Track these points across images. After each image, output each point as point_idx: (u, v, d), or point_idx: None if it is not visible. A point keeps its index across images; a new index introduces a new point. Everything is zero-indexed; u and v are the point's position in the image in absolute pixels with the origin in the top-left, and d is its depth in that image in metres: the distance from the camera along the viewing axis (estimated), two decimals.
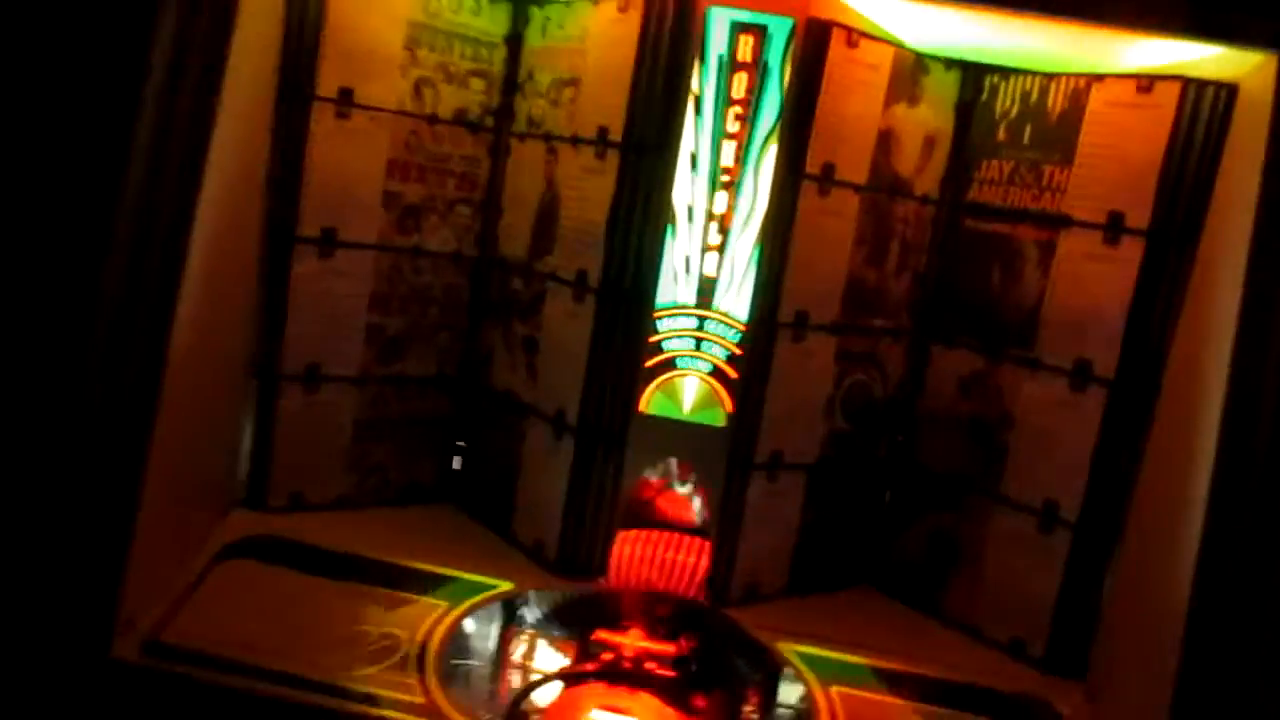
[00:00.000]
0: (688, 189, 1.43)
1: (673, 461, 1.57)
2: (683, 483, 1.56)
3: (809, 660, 1.40)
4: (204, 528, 1.47)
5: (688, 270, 1.44)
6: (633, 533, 1.56)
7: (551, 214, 1.54)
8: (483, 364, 1.65)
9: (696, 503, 1.59)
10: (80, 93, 1.25)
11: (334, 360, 1.55)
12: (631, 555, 1.55)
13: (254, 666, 1.28)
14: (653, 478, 1.59)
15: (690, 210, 1.43)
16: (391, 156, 1.54)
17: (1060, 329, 1.43)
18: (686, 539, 1.57)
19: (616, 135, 1.43)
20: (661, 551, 1.57)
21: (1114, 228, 1.38)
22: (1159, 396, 1.35)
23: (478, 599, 1.43)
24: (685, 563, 1.55)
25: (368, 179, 1.53)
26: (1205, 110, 1.30)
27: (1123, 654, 1.36)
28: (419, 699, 1.27)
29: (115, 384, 1.26)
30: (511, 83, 1.61)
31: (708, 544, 1.54)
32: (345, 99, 1.48)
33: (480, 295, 1.65)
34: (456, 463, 1.71)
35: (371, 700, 1.26)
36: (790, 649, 1.42)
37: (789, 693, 1.39)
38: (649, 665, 1.47)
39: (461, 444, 1.70)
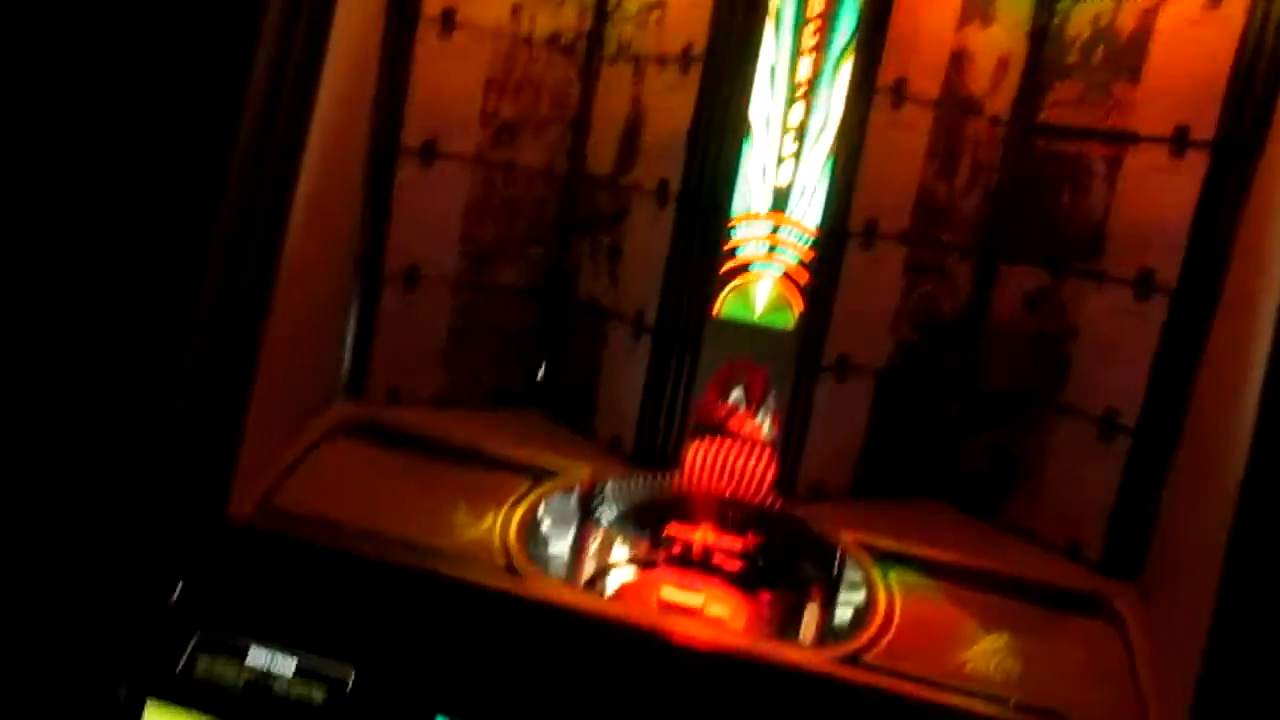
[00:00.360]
0: (765, 101, 1.51)
1: (742, 388, 1.66)
2: (749, 403, 1.64)
3: (871, 551, 1.47)
4: (310, 412, 1.60)
5: (763, 179, 1.52)
6: (705, 440, 1.65)
7: (636, 130, 1.63)
8: (570, 276, 1.75)
9: (765, 424, 1.67)
10: (207, 22, 1.39)
11: (431, 265, 1.67)
12: (703, 461, 1.64)
13: (359, 530, 1.41)
14: (724, 401, 1.69)
15: (767, 121, 1.51)
16: (490, 76, 1.65)
17: (1125, 241, 1.48)
18: (756, 448, 1.66)
19: (698, 52, 1.52)
20: (731, 459, 1.66)
21: (1180, 141, 1.42)
22: (1219, 303, 1.39)
23: (559, 482, 1.54)
24: (754, 470, 1.64)
25: (467, 96, 1.64)
26: (1273, 21, 1.34)
27: (1175, 555, 1.40)
28: (501, 563, 1.39)
29: (237, 274, 1.40)
30: (602, 9, 1.71)
31: (777, 453, 1.62)
32: (448, 20, 1.60)
33: (568, 210, 1.75)
34: (541, 373, 1.82)
35: (465, 565, 1.38)
36: (853, 542, 1.49)
37: (850, 580, 1.47)
38: (717, 558, 1.56)
39: (546, 355, 1.81)
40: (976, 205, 1.62)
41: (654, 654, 1.32)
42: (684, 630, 1.35)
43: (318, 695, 1.31)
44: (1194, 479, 1.39)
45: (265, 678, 1.32)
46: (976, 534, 1.58)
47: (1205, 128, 1.39)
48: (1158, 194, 1.44)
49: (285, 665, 1.33)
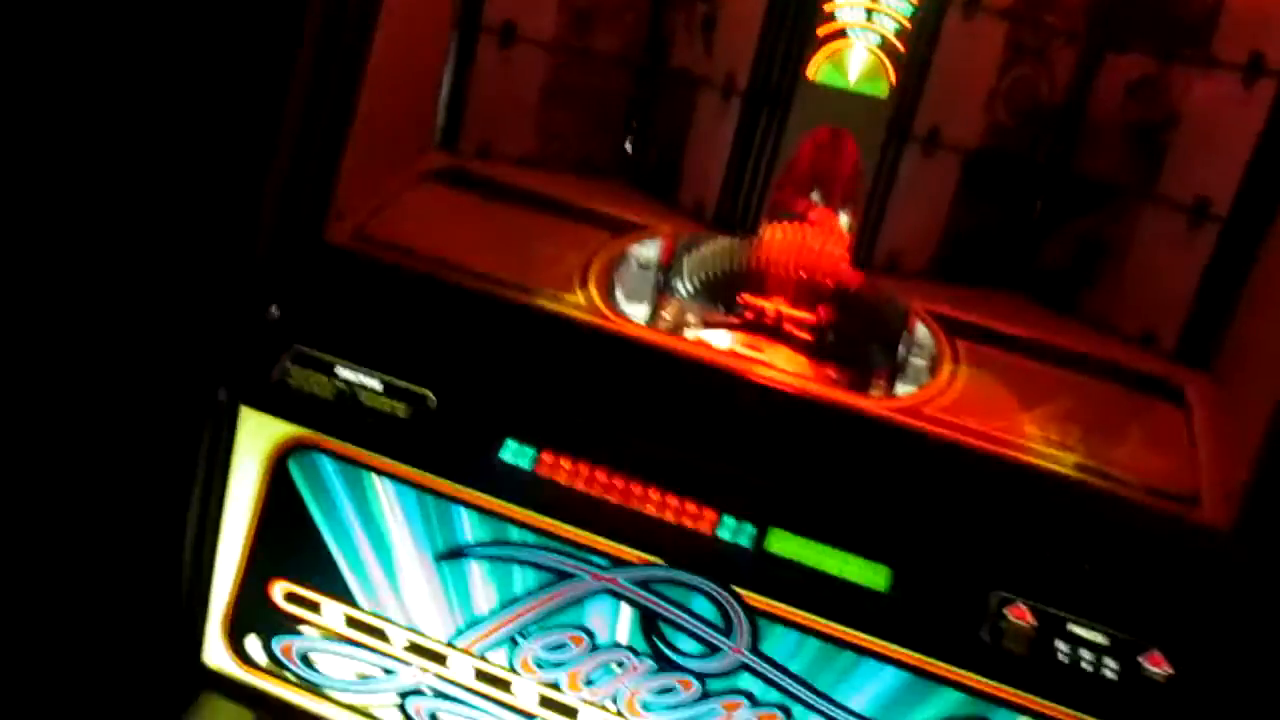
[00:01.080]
0: None
1: (821, 187, 1.66)
2: (829, 198, 1.65)
3: (941, 321, 1.49)
4: (405, 160, 1.65)
5: None
6: (782, 223, 1.66)
7: None
8: (664, 46, 1.75)
9: (844, 216, 1.67)
10: None
11: (528, 23, 1.68)
12: (781, 239, 1.66)
13: (447, 262, 1.47)
14: (804, 198, 1.69)
15: None
16: None
17: (1238, 24, 1.43)
18: (834, 233, 1.67)
19: None
20: (809, 240, 1.67)
21: None
22: None
23: (642, 234, 1.58)
24: (831, 253, 1.65)
25: None
26: None
27: (1250, 343, 1.40)
28: (584, 302, 1.44)
29: (338, 18, 1.43)
30: None
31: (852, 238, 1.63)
32: None
33: None
34: (629, 147, 1.84)
35: (547, 300, 1.43)
36: (924, 311, 1.51)
37: (918, 345, 1.50)
38: (788, 326, 1.60)
39: (637, 127, 1.82)
40: None
41: (726, 391, 1.37)
42: (755, 371, 1.40)
43: (401, 410, 1.40)
44: (1278, 270, 1.38)
45: (354, 390, 1.41)
46: (1052, 320, 1.59)
47: None
48: None
49: (373, 382, 1.42)
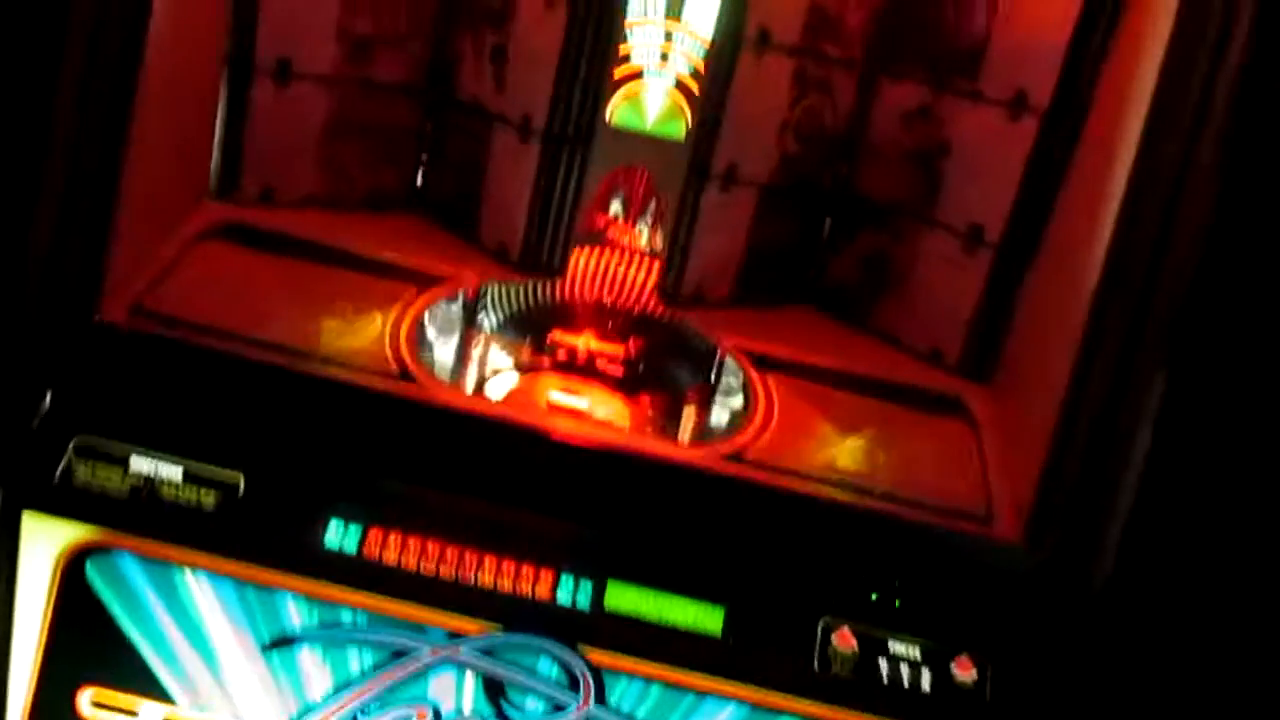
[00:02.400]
0: None
1: (622, 198, 1.67)
2: (629, 212, 1.65)
3: (750, 356, 1.54)
4: (179, 214, 1.52)
5: None
6: (587, 249, 1.66)
7: None
8: (451, 73, 1.69)
9: (645, 233, 1.69)
10: None
11: (305, 57, 1.57)
12: (585, 268, 1.66)
13: (237, 333, 1.38)
14: (604, 211, 1.69)
15: None
16: None
17: (1003, 61, 1.53)
18: (639, 256, 1.68)
19: None
20: (614, 266, 1.68)
21: None
22: (1085, 124, 1.46)
23: (446, 287, 1.53)
24: (635, 278, 1.67)
25: None
26: None
27: (1027, 358, 1.52)
28: (394, 368, 1.39)
29: (98, 70, 1.29)
30: None
31: (657, 262, 1.65)
32: None
33: (450, 2, 1.67)
34: (419, 176, 1.77)
35: (355, 370, 1.37)
36: (733, 347, 1.56)
37: (729, 383, 1.55)
38: (600, 363, 1.61)
39: (426, 156, 1.76)
40: (863, 17, 1.63)
41: (543, 452, 1.37)
42: (574, 430, 1.41)
43: (208, 499, 1.32)
44: (1050, 287, 1.49)
45: (151, 484, 1.31)
46: (846, 339, 1.67)
47: None
48: (1038, 11, 1.48)
49: (172, 472, 1.32)
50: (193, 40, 1.45)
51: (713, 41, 1.50)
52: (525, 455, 1.36)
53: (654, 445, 1.41)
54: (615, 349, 1.62)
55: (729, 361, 1.55)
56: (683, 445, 1.45)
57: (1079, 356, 1.35)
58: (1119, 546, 1.33)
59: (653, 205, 1.60)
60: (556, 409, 1.49)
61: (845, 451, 1.42)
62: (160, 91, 1.34)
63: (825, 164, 1.69)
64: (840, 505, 1.36)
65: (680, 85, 1.52)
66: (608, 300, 1.64)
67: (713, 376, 1.57)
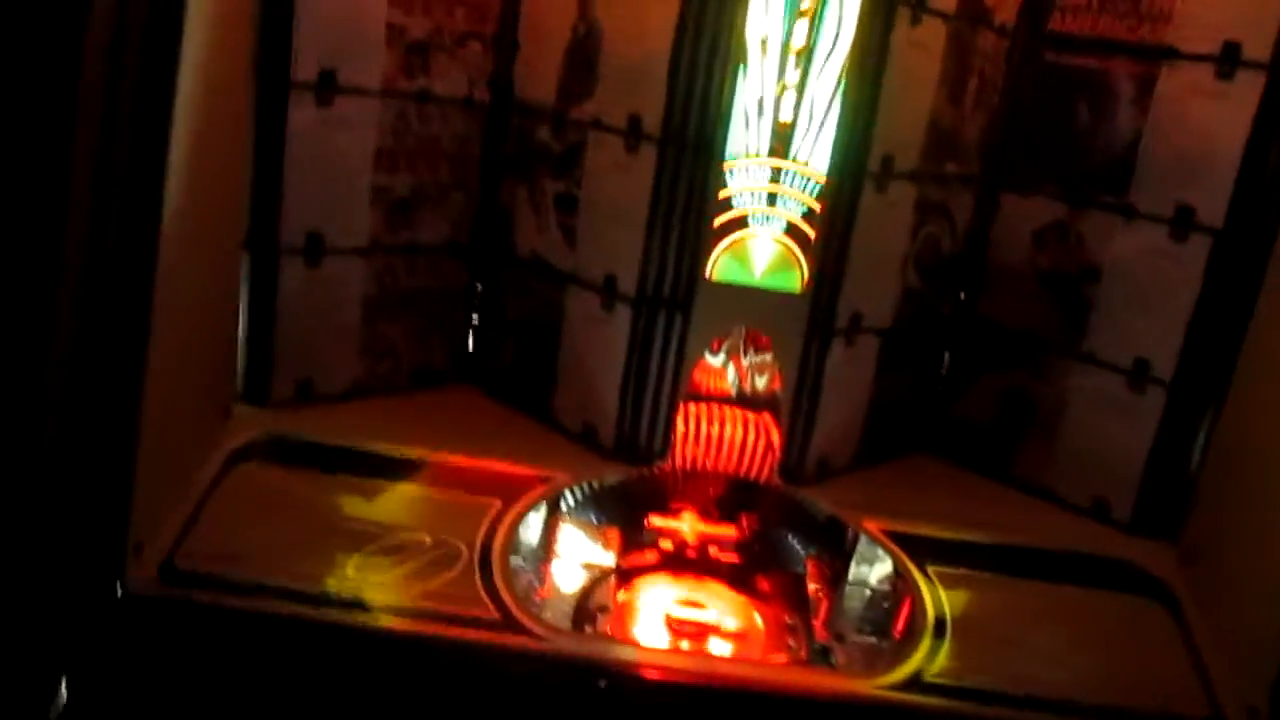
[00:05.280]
0: (762, 19, 1.23)
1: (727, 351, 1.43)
2: (746, 352, 1.41)
3: (896, 539, 1.30)
4: (208, 433, 1.26)
5: (760, 114, 1.26)
6: (690, 407, 1.41)
7: (588, 50, 1.32)
8: (502, 227, 1.45)
9: (754, 374, 1.44)
10: None
11: (337, 229, 1.33)
12: (687, 433, 1.41)
13: (282, 588, 1.11)
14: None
15: (764, 44, 1.24)
16: None
17: (1159, 173, 1.31)
18: (748, 414, 1.43)
19: None
20: (720, 429, 1.43)
21: (1229, 59, 1.25)
22: (1273, 245, 1.26)
23: (534, 494, 1.28)
24: (747, 441, 1.42)
25: (368, 10, 1.28)
26: None
27: (1224, 518, 1.30)
28: (497, 615, 1.13)
29: (102, 289, 1.03)
30: None
31: (766, 417, 1.40)
32: None
33: (496, 147, 1.43)
34: (470, 344, 1.52)
35: (435, 618, 1.11)
36: (866, 523, 1.32)
37: (872, 569, 1.31)
38: (713, 550, 1.36)
39: (477, 320, 1.51)
40: (980, 129, 1.41)
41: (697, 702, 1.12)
42: (732, 671, 1.15)
43: None
44: (1245, 435, 1.27)
45: None
46: (989, 496, 1.44)
47: (1260, 45, 1.23)
48: (1200, 120, 1.28)
49: None
50: (209, 227, 1.19)
51: (829, 177, 1.27)
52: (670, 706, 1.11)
53: (815, 679, 1.16)
54: (727, 531, 1.37)
55: (864, 542, 1.31)
56: (844, 672, 1.19)
57: None
58: None
59: (765, 363, 1.37)
60: (680, 628, 1.23)
61: (1039, 660, 1.18)
62: (177, 284, 1.09)
63: (946, 292, 1.47)
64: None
65: (792, 230, 1.29)
66: (711, 466, 1.40)
67: (849, 558, 1.32)
